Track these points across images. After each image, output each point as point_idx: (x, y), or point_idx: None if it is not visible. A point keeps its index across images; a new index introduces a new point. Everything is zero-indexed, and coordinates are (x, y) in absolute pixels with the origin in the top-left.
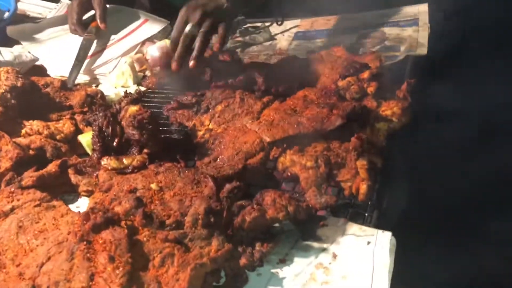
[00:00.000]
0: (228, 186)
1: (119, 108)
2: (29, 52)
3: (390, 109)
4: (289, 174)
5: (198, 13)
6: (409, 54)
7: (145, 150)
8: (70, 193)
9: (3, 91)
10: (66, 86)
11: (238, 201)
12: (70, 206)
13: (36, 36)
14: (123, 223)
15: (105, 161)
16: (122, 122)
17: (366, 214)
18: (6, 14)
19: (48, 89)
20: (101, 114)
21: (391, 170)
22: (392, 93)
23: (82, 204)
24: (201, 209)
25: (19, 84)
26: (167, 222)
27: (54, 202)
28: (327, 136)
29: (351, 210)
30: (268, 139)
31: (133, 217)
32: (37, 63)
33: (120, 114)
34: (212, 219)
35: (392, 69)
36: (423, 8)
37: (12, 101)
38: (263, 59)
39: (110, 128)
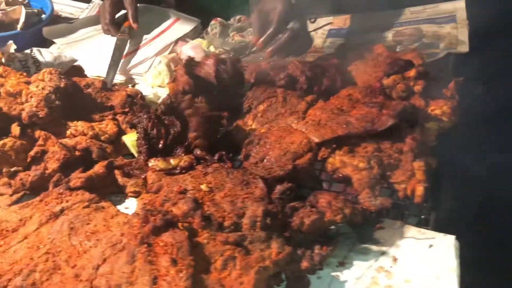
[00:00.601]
0: (280, 187)
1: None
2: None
3: (439, 108)
4: (340, 175)
5: (276, 17)
6: (450, 52)
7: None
8: (116, 194)
9: (48, 92)
10: (106, 86)
11: (290, 202)
12: (118, 207)
13: (71, 36)
14: (180, 225)
15: (152, 162)
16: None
17: (422, 217)
18: (43, 16)
19: (89, 90)
20: (145, 116)
21: (444, 170)
22: (438, 91)
23: (130, 205)
24: (259, 211)
25: (62, 85)
26: (225, 224)
27: (103, 203)
28: (376, 136)
29: (407, 213)
30: (316, 140)
31: (192, 219)
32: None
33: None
34: (269, 221)
35: (434, 67)
36: (460, 4)
37: (57, 102)
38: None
39: (155, 129)
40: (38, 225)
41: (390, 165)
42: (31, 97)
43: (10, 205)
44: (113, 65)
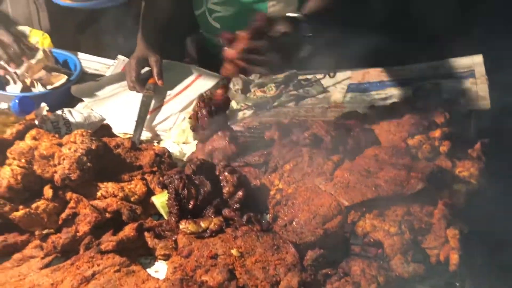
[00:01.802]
0: (312, 254)
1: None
2: (92, 110)
3: (466, 170)
4: (371, 240)
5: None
6: (471, 109)
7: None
8: (146, 256)
9: (80, 154)
10: (135, 146)
11: (322, 268)
12: (148, 270)
13: (97, 93)
14: None
15: (183, 225)
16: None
17: (457, 284)
18: (72, 75)
19: (119, 150)
20: (176, 176)
21: (475, 235)
22: (463, 151)
23: (160, 268)
24: (294, 281)
25: (93, 147)
26: None
27: (133, 267)
28: (405, 198)
29: (439, 279)
30: (346, 203)
31: None
32: None
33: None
34: None
35: (456, 124)
36: (478, 59)
37: (88, 164)
38: (318, 112)
39: (186, 190)
40: None
41: (421, 230)
42: (63, 159)
43: (41, 268)
44: (140, 123)
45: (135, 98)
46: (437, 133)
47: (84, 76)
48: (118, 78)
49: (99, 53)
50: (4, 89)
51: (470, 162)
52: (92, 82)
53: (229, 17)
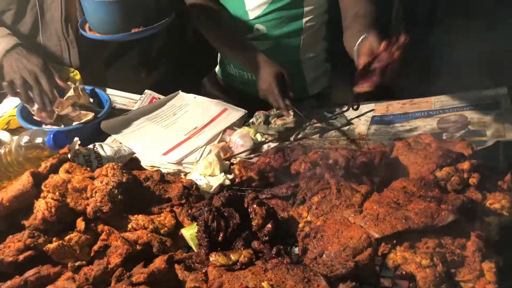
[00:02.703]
0: (343, 287)
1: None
2: (121, 144)
3: (497, 202)
4: (403, 272)
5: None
6: (499, 140)
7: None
8: None
9: (111, 187)
10: (164, 178)
11: None
12: None
13: (126, 129)
14: None
15: (213, 258)
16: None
17: None
18: (101, 112)
19: (148, 183)
20: (206, 208)
21: (510, 269)
22: (493, 183)
23: None
24: None
25: (124, 179)
26: None
27: None
28: (436, 231)
29: None
30: (376, 235)
31: None
32: None
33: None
34: None
35: (483, 156)
36: (502, 91)
37: (119, 196)
38: (343, 144)
39: (215, 222)
40: None
41: (454, 262)
42: (95, 192)
43: None
44: None
45: (159, 131)
46: (466, 165)
47: (112, 111)
48: (145, 111)
49: (126, 88)
50: (38, 125)
51: (501, 194)
52: (121, 117)
53: (264, 51)
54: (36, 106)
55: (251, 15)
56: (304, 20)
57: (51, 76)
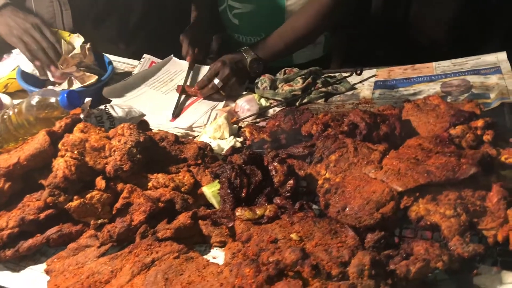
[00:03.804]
0: (372, 236)
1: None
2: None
3: None
4: (427, 223)
5: (227, 70)
6: (503, 101)
7: (278, 201)
8: (200, 244)
9: (130, 146)
10: (179, 140)
11: (384, 250)
12: (205, 257)
13: (127, 95)
14: (290, 274)
15: (239, 212)
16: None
17: None
18: (104, 75)
19: (164, 143)
20: (228, 166)
21: None
22: (505, 140)
23: (217, 255)
24: (366, 259)
25: (141, 139)
26: (333, 273)
27: (192, 254)
28: (456, 184)
29: (500, 259)
30: (400, 189)
31: (301, 268)
32: None
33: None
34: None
35: (490, 116)
36: (502, 56)
37: (138, 155)
38: (349, 108)
39: (238, 179)
40: (131, 276)
41: (476, 212)
42: (114, 151)
43: (98, 256)
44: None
45: (159, 96)
46: (479, 122)
47: (113, 76)
48: (144, 77)
49: (120, 53)
50: (40, 87)
51: None
52: (121, 83)
53: (248, 13)
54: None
55: None
56: None
57: (52, 29)
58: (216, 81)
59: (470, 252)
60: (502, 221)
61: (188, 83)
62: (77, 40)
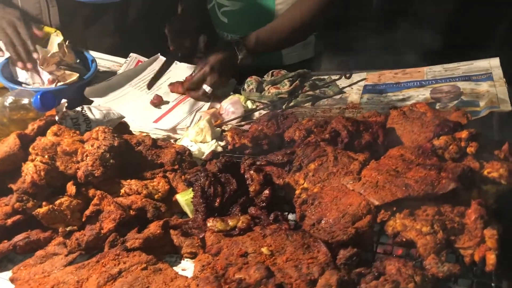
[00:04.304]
0: (344, 253)
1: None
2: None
3: (495, 170)
4: (403, 239)
5: (216, 76)
6: (492, 111)
7: (253, 211)
8: (171, 254)
9: (103, 151)
10: (156, 144)
11: (355, 268)
12: (175, 268)
13: (110, 95)
14: None
15: (211, 223)
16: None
17: (493, 285)
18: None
19: (140, 147)
20: (202, 174)
21: (508, 235)
22: (489, 152)
23: (186, 267)
24: (332, 280)
25: (116, 143)
26: None
27: (160, 265)
28: (435, 199)
29: (476, 280)
30: (376, 202)
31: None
32: None
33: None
34: None
35: (477, 125)
36: (495, 62)
37: (111, 160)
38: (336, 112)
39: (212, 188)
40: (97, 287)
41: (454, 230)
42: (86, 156)
43: (65, 265)
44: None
45: (144, 97)
46: (463, 134)
47: (97, 74)
48: (129, 77)
49: (108, 50)
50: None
51: (498, 163)
52: (104, 83)
53: (236, 11)
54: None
55: None
56: None
57: (29, 25)
58: (207, 88)
59: (445, 272)
60: (479, 241)
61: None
62: (56, 38)
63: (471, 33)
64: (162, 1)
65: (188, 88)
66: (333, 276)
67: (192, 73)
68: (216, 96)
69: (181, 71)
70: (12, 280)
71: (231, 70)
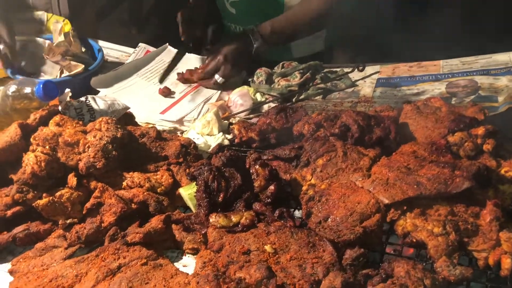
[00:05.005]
0: (351, 253)
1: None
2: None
3: None
4: (413, 240)
5: (229, 67)
6: (511, 106)
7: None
8: (173, 249)
9: (105, 142)
10: (161, 136)
11: (362, 269)
12: (176, 264)
13: (116, 86)
14: None
15: (213, 219)
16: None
17: None
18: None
19: (144, 139)
20: (206, 168)
21: None
22: (507, 150)
23: (188, 263)
24: (337, 282)
25: (119, 135)
26: None
27: (161, 261)
28: (448, 198)
29: (489, 285)
30: (386, 201)
31: None
32: None
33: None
34: None
35: (495, 122)
36: None
37: (113, 152)
38: (347, 106)
39: (216, 182)
40: (95, 282)
41: (467, 231)
42: (88, 147)
43: (65, 258)
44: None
45: (151, 88)
46: (480, 130)
47: (105, 64)
48: (136, 67)
49: (118, 40)
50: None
51: None
52: (111, 73)
53: (245, 2)
54: None
55: None
56: None
57: (10, 23)
58: (219, 79)
59: (457, 275)
60: (494, 244)
61: (180, 69)
62: (59, 26)
63: (490, 26)
64: None
65: (201, 77)
66: (337, 277)
67: (204, 63)
68: (226, 86)
69: (189, 61)
70: (11, 272)
71: (245, 61)
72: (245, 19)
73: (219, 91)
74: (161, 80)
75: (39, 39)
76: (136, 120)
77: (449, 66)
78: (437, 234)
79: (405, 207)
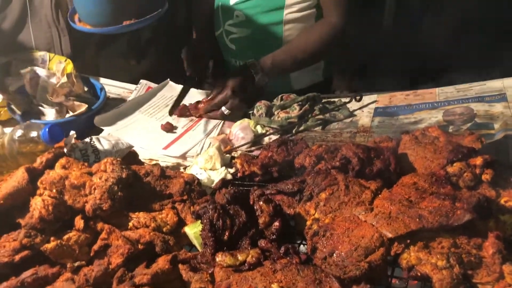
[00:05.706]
0: None
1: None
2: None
3: None
4: (418, 274)
5: (236, 100)
6: (507, 133)
7: (263, 244)
8: None
9: (111, 183)
10: (164, 173)
11: None
12: None
13: (119, 123)
14: None
15: (220, 258)
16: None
17: None
18: (95, 103)
19: (148, 178)
20: (210, 206)
21: None
22: (505, 179)
23: None
24: None
25: (124, 175)
26: None
27: None
28: (451, 230)
29: None
30: (390, 235)
31: None
32: None
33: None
34: None
35: (492, 150)
36: (508, 82)
37: (119, 193)
38: (347, 136)
39: (221, 221)
40: None
41: (471, 263)
42: (94, 189)
43: None
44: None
45: (154, 124)
46: (478, 160)
47: (106, 102)
48: (138, 103)
49: (117, 77)
50: (31, 117)
51: None
52: (114, 111)
53: (244, 38)
54: None
55: (232, 0)
56: (285, 12)
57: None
58: (226, 111)
59: None
60: (498, 276)
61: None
62: (61, 66)
63: (482, 53)
64: (172, 29)
65: (206, 110)
66: None
67: (208, 96)
68: (229, 117)
69: (192, 95)
70: None
71: (250, 93)
72: (245, 54)
73: (220, 125)
74: (171, 113)
75: (42, 74)
76: (140, 156)
77: (444, 93)
78: (441, 267)
79: (408, 240)
